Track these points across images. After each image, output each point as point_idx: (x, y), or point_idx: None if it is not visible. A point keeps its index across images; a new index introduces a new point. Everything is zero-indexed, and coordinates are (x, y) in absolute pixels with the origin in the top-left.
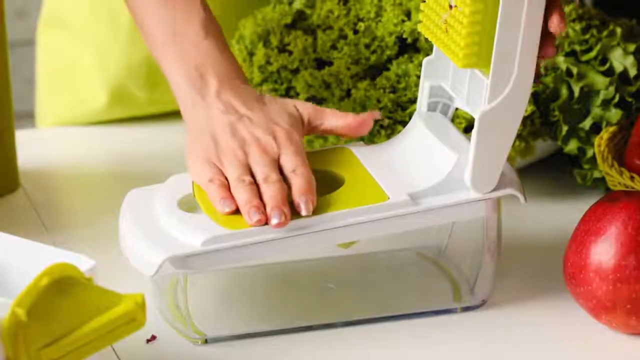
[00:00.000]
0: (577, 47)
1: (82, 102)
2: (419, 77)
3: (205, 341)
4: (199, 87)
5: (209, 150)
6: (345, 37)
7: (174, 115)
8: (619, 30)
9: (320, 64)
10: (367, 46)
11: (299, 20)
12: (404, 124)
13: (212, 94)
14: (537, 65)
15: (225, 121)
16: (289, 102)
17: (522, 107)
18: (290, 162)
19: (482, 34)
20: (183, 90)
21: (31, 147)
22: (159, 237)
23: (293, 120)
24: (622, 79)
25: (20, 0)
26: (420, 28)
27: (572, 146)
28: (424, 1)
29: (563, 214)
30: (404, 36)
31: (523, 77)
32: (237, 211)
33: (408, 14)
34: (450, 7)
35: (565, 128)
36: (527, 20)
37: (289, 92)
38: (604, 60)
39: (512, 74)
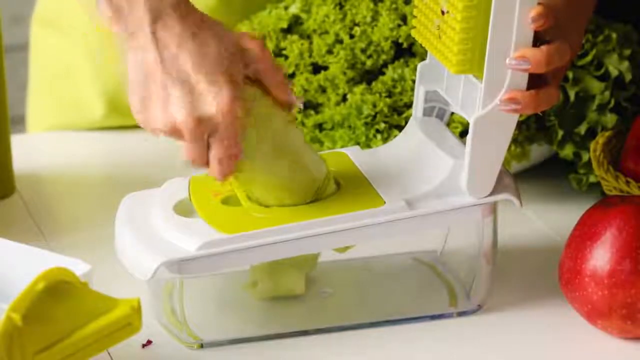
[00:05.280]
0: None
1: (78, 111)
2: (414, 81)
3: (201, 346)
4: (128, 18)
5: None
6: (341, 41)
7: None
8: (614, 35)
9: (316, 68)
10: (363, 51)
11: (294, 25)
12: (400, 128)
13: (145, 28)
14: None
15: (152, 70)
16: (236, 37)
17: None
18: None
19: (475, 39)
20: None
21: (27, 152)
22: (155, 241)
23: (229, 61)
24: (618, 83)
25: (15, 5)
26: (413, 34)
27: (567, 151)
28: (417, 7)
29: (558, 219)
30: (400, 41)
31: (516, 81)
32: (232, 214)
33: (404, 19)
34: (443, 13)
35: (560, 133)
36: (519, 25)
37: None
38: (600, 65)
39: (505, 79)
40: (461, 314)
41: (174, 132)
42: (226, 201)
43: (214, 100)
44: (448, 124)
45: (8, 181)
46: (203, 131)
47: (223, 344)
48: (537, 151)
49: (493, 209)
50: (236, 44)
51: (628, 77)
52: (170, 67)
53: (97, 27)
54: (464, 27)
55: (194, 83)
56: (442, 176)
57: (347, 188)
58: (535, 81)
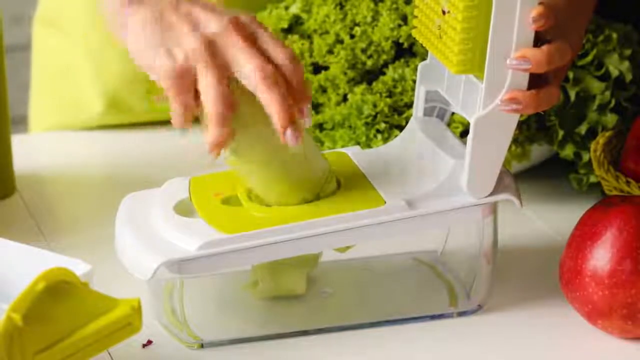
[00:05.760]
0: None
1: (78, 108)
2: (415, 81)
3: (201, 346)
4: None
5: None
6: (341, 41)
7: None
8: (614, 35)
9: (317, 68)
10: (363, 51)
11: (295, 25)
12: (400, 128)
13: None
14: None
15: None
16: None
17: None
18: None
19: (476, 39)
20: None
21: (27, 152)
22: (155, 241)
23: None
24: (618, 83)
25: (16, 5)
26: (414, 34)
27: (568, 151)
28: (417, 7)
29: (559, 219)
30: (400, 41)
31: (517, 81)
32: (232, 214)
33: (404, 19)
34: (444, 12)
35: (561, 133)
36: (520, 25)
37: None
38: (600, 65)
39: (506, 79)
40: (461, 314)
41: (189, 59)
42: (226, 201)
43: (218, 22)
44: (448, 124)
45: (8, 181)
46: (213, 49)
47: (223, 344)
48: (538, 151)
49: (493, 209)
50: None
51: (628, 77)
52: (180, 9)
53: (97, 27)
54: (464, 27)
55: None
56: (442, 176)
57: (347, 188)
58: (536, 81)
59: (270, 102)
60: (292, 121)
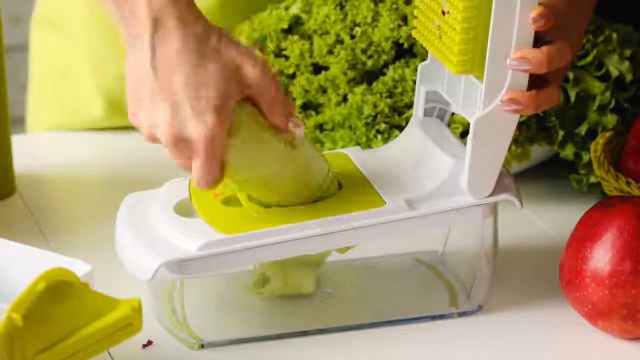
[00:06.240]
0: None
1: (78, 110)
2: (415, 81)
3: (202, 346)
4: (130, 22)
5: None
6: (341, 42)
7: None
8: (615, 35)
9: (317, 68)
10: (363, 51)
11: (295, 25)
12: (400, 128)
13: (146, 38)
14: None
15: (148, 83)
16: (236, 57)
17: None
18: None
19: (476, 39)
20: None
21: (27, 152)
22: (155, 242)
23: (224, 84)
24: (618, 84)
25: (15, 5)
26: (414, 34)
27: (568, 151)
28: (417, 7)
29: (559, 219)
30: (400, 41)
31: (517, 82)
32: (232, 214)
33: (404, 19)
34: (443, 13)
35: (561, 133)
36: (520, 25)
37: None
38: (600, 66)
39: (505, 79)
40: (462, 314)
41: (155, 141)
42: (227, 201)
43: (196, 127)
44: (449, 125)
45: (8, 181)
46: (181, 150)
47: (223, 344)
48: (538, 151)
49: (493, 209)
50: (235, 66)
51: (629, 77)
52: (162, 80)
53: (96, 27)
54: (464, 28)
55: (181, 104)
56: (442, 176)
57: (347, 188)
58: (536, 81)
59: None
60: None
